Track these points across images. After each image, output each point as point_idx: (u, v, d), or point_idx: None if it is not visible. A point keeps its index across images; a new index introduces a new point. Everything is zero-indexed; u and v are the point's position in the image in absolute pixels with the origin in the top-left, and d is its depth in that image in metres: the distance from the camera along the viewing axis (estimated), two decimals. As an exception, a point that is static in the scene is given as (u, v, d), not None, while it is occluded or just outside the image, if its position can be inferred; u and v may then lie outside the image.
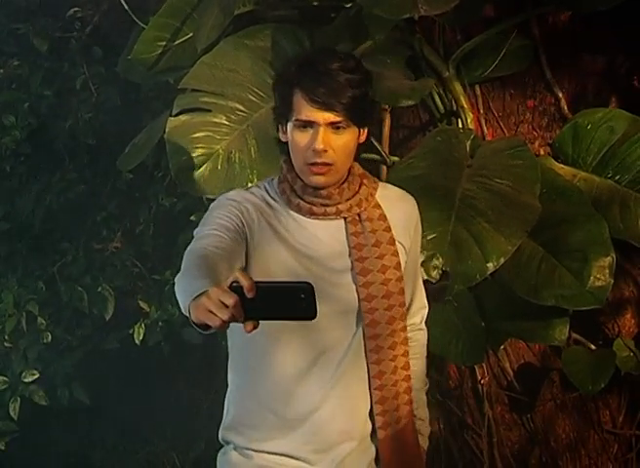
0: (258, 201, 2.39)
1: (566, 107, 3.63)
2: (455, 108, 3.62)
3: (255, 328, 1.83)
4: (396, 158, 3.61)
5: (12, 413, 4.46)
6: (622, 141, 3.41)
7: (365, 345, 2.42)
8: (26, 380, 4.51)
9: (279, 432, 2.42)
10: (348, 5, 3.55)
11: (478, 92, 3.71)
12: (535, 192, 3.16)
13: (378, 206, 2.44)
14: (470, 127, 3.59)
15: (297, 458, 2.43)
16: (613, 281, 3.14)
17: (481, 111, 3.71)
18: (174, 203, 4.54)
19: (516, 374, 3.75)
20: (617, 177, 3.41)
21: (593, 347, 3.57)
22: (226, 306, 1.77)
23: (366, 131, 2.38)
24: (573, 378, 3.46)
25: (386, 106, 3.67)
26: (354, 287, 2.38)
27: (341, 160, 2.31)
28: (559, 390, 3.73)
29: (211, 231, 2.24)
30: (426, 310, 2.66)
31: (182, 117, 3.44)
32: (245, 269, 2.30)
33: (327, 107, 2.24)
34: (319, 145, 2.26)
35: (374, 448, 2.51)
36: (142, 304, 4.56)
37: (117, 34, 4.68)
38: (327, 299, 2.31)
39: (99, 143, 4.75)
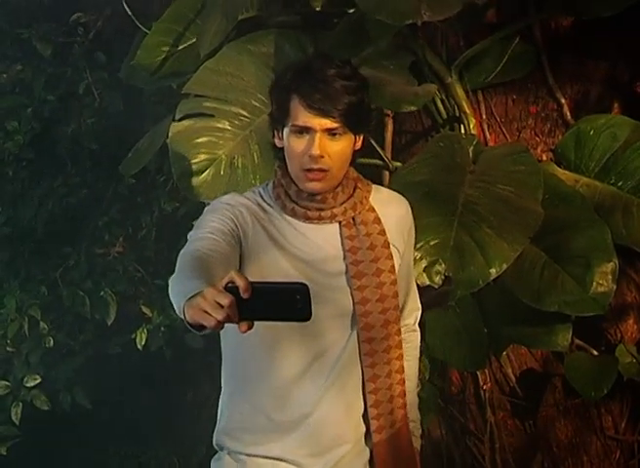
0: (252, 205, 2.40)
1: (568, 113, 3.62)
2: (457, 114, 3.63)
3: (249, 328, 1.83)
4: (399, 163, 3.61)
5: (14, 418, 4.46)
6: (625, 148, 3.41)
7: (359, 348, 2.43)
8: (28, 385, 4.51)
9: (273, 436, 2.43)
10: (351, 11, 3.55)
11: (481, 97, 3.71)
12: (537, 198, 3.16)
13: (372, 209, 2.45)
14: (473, 132, 3.59)
15: (290, 462, 2.43)
16: (615, 287, 3.14)
17: (483, 117, 3.71)
18: (176, 208, 4.54)
19: (518, 380, 3.75)
20: (619, 183, 3.41)
21: (596, 353, 3.57)
22: (221, 306, 1.77)
23: (362, 137, 2.39)
24: (575, 384, 3.45)
25: (389, 112, 3.68)
26: (349, 290, 2.39)
27: (337, 166, 2.32)
28: (561, 396, 3.72)
29: (205, 234, 2.25)
30: (420, 312, 2.67)
31: (185, 122, 3.44)
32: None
33: (323, 113, 2.25)
34: (315, 151, 2.26)
35: (368, 452, 2.52)
36: (145, 309, 4.56)
37: (120, 39, 4.69)
38: (322, 303, 2.32)
39: (101, 148, 4.75)
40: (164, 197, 4.60)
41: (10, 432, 4.56)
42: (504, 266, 2.98)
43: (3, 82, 4.83)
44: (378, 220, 2.43)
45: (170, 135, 3.44)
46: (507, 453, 3.79)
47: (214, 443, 2.53)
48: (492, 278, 2.99)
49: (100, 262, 4.79)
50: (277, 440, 2.42)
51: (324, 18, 3.70)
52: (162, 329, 4.46)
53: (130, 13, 4.14)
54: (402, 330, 2.56)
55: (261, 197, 2.43)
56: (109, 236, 4.83)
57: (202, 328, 1.84)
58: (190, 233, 2.30)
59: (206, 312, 1.79)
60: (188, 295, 1.86)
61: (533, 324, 3.34)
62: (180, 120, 3.45)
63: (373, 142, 3.37)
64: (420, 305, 2.66)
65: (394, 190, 2.60)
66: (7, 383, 4.53)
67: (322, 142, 2.27)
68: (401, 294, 2.51)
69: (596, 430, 3.72)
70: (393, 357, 2.47)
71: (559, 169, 3.52)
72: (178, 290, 2.00)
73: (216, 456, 2.53)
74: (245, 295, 1.80)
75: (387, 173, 3.64)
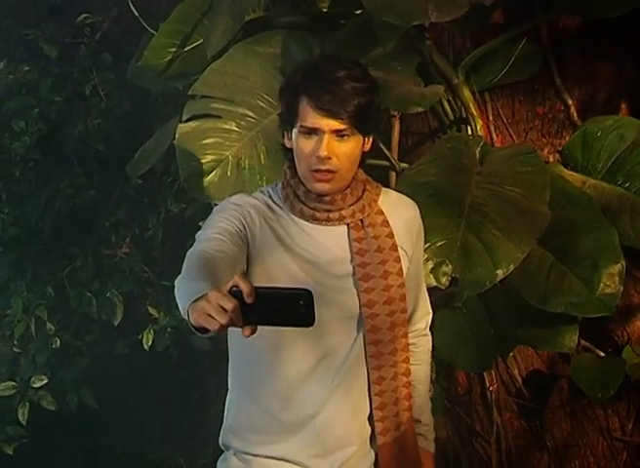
0: (261, 205, 2.39)
1: (575, 114, 3.62)
2: (464, 115, 3.63)
3: (253, 332, 1.84)
4: (405, 164, 3.61)
5: (20, 418, 4.47)
6: (632, 149, 3.41)
7: (365, 351, 2.42)
8: (35, 385, 4.52)
9: (278, 436, 2.43)
10: (358, 12, 3.55)
11: (487, 98, 3.71)
12: (544, 199, 3.16)
13: (380, 212, 2.44)
14: (480, 134, 3.59)
15: (296, 463, 2.43)
16: (622, 288, 3.14)
17: (490, 118, 3.71)
18: (183, 209, 4.54)
19: (525, 381, 3.75)
20: (626, 185, 3.40)
21: (602, 354, 3.56)
22: (225, 310, 1.78)
23: (371, 139, 2.38)
24: (582, 385, 3.45)
25: (396, 113, 3.68)
26: (355, 292, 2.39)
27: (345, 167, 2.32)
28: (568, 397, 3.72)
29: (212, 234, 2.25)
30: (431, 316, 2.67)
31: (192, 123, 3.45)
32: (246, 273, 2.31)
33: (332, 115, 2.25)
34: (323, 152, 2.26)
35: (373, 454, 2.51)
36: (151, 310, 4.56)
37: (127, 40, 4.70)
38: (328, 305, 2.33)
39: (108, 149, 4.76)
40: (171, 198, 4.61)
41: (16, 432, 4.57)
42: (511, 267, 2.97)
43: (10, 83, 4.84)
44: (386, 223, 2.43)
45: (177, 136, 3.44)
46: (514, 454, 3.79)
47: (220, 442, 2.53)
48: (498, 279, 2.98)
49: (106, 263, 4.80)
50: (283, 440, 2.42)
51: (331, 18, 3.70)
52: (168, 329, 4.47)
53: (136, 14, 4.16)
54: (413, 334, 2.58)
55: (270, 197, 2.43)
56: (116, 237, 4.84)
57: (206, 331, 1.84)
58: (198, 233, 2.30)
59: (210, 316, 1.79)
60: (193, 298, 1.87)
61: (539, 325, 3.34)
62: (186, 121, 3.45)
63: (380, 143, 3.37)
64: (430, 309, 2.66)
65: (401, 192, 2.60)
66: (14, 384, 4.54)
67: (330, 143, 2.27)
68: (410, 298, 2.51)
69: (603, 431, 3.71)
70: (399, 359, 2.47)
71: (566, 170, 3.51)
72: (183, 292, 2.00)
73: (222, 457, 2.54)
74: (249, 300, 1.81)
75: (394, 174, 3.64)
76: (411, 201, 2.55)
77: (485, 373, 3.75)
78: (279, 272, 2.33)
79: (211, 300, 1.80)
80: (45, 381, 4.53)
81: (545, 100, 3.66)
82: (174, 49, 3.94)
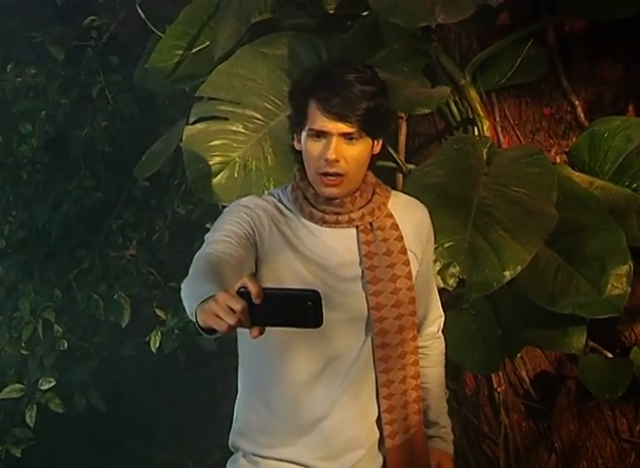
0: (270, 208, 2.40)
1: (582, 115, 3.61)
2: (471, 116, 3.63)
3: (261, 333, 1.84)
4: (412, 166, 3.62)
5: (28, 421, 4.48)
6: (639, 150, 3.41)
7: (373, 354, 2.43)
8: (43, 388, 4.53)
9: (287, 439, 2.43)
10: (365, 13, 3.55)
11: (494, 99, 3.71)
12: (551, 200, 3.16)
13: (390, 215, 2.44)
14: (487, 135, 3.59)
15: (304, 466, 2.43)
16: (630, 289, 3.13)
17: (497, 119, 3.71)
18: (190, 211, 4.54)
19: (533, 382, 3.75)
20: (634, 186, 3.39)
21: (610, 355, 3.56)
22: (233, 311, 1.79)
23: (380, 142, 2.38)
24: (590, 386, 3.44)
25: (403, 114, 3.68)
26: (364, 295, 2.39)
27: (354, 171, 2.32)
28: (576, 398, 3.71)
29: (221, 237, 2.25)
30: (443, 319, 2.68)
31: (199, 125, 3.45)
32: (255, 275, 2.32)
33: (340, 118, 2.25)
34: (331, 155, 2.26)
35: (381, 458, 2.52)
36: (158, 312, 4.57)
37: (134, 43, 4.71)
38: (336, 307, 2.33)
39: (115, 151, 4.77)
40: (177, 200, 4.61)
41: (24, 434, 4.58)
42: (519, 269, 2.97)
43: (17, 85, 4.85)
44: (395, 226, 2.43)
45: (184, 138, 3.45)
46: (521, 456, 3.79)
47: (229, 443, 2.54)
48: (506, 280, 2.98)
49: (113, 265, 4.81)
50: (292, 443, 2.43)
51: (337, 20, 3.70)
52: (176, 331, 4.47)
53: (143, 16, 4.16)
54: (426, 337, 2.59)
55: (280, 200, 2.43)
56: (123, 239, 4.84)
57: (213, 331, 1.85)
58: (207, 234, 2.31)
59: (218, 316, 1.80)
60: (201, 299, 1.87)
61: (547, 326, 3.33)
62: (193, 123, 3.46)
63: (386, 145, 3.37)
64: (442, 312, 2.67)
65: (408, 193, 2.60)
66: (21, 386, 4.55)
67: (338, 146, 2.27)
68: (421, 301, 2.51)
69: (611, 433, 3.70)
70: (408, 363, 2.47)
71: (573, 171, 3.50)
72: (190, 293, 2.01)
73: (231, 458, 2.54)
74: (257, 301, 1.81)
75: (401, 175, 3.64)
76: (420, 204, 2.55)
77: (492, 375, 3.75)
78: (287, 274, 2.34)
79: (219, 301, 1.81)
80: (53, 383, 4.53)
81: (552, 102, 3.66)
82: (181, 51, 3.95)
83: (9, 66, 4.88)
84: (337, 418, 2.41)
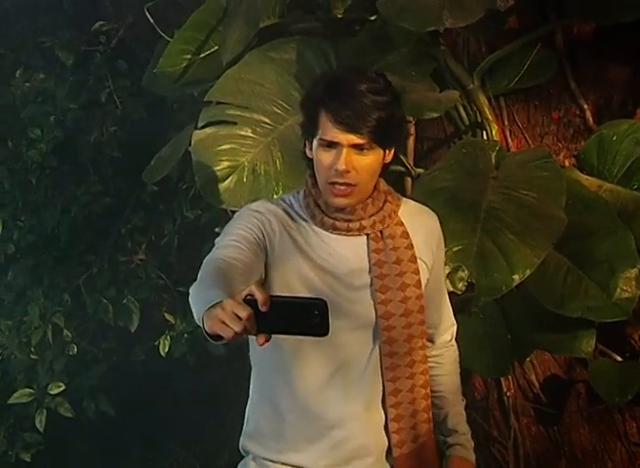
0: (281, 213, 2.40)
1: (591, 119, 3.61)
2: (479, 120, 3.62)
3: (267, 341, 1.84)
4: (421, 170, 3.62)
5: (38, 425, 4.49)
6: (648, 153, 3.41)
7: (381, 362, 2.42)
8: (52, 392, 4.53)
9: (297, 445, 2.43)
10: (373, 17, 3.56)
11: (503, 103, 3.71)
12: (560, 204, 3.15)
13: (400, 223, 2.44)
14: (495, 138, 3.58)
15: None
16: (639, 292, 3.13)
17: (506, 123, 3.70)
18: (198, 215, 4.55)
19: (542, 386, 3.74)
20: (643, 189, 3.40)
21: (620, 359, 3.55)
22: (240, 318, 1.79)
23: (392, 151, 2.36)
24: (599, 390, 3.43)
25: (411, 118, 3.68)
26: (372, 303, 2.38)
27: (365, 181, 2.31)
28: (585, 402, 3.71)
29: (230, 242, 2.25)
30: (455, 327, 2.66)
31: (208, 130, 3.46)
32: (265, 281, 2.32)
33: (351, 129, 2.24)
34: (341, 166, 2.25)
35: (389, 466, 2.51)
36: (168, 316, 4.57)
37: (142, 47, 4.71)
38: (344, 315, 2.33)
39: (124, 156, 4.77)
40: (186, 204, 4.61)
41: (34, 439, 4.59)
42: (528, 272, 2.97)
43: (26, 91, 4.85)
44: (406, 234, 2.42)
45: (192, 142, 3.45)
46: (531, 460, 3.78)
47: (239, 446, 2.54)
48: (515, 284, 2.98)
49: (122, 270, 4.81)
50: (301, 449, 2.43)
51: (346, 24, 3.71)
52: (185, 336, 4.47)
53: (152, 21, 4.16)
54: (439, 345, 2.59)
55: (291, 206, 2.43)
56: (132, 243, 4.84)
57: (220, 338, 1.85)
58: (217, 239, 2.31)
59: (224, 323, 1.80)
60: (208, 305, 1.88)
61: (556, 330, 3.33)
62: (202, 128, 3.46)
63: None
64: (454, 320, 2.66)
65: (417, 197, 2.60)
66: (31, 391, 4.56)
67: (349, 157, 2.26)
68: (433, 309, 2.51)
69: (620, 436, 3.70)
70: (417, 371, 2.46)
71: (582, 174, 3.50)
72: (198, 299, 2.01)
73: (242, 462, 2.54)
74: (263, 309, 1.81)
75: (410, 179, 3.64)
76: (431, 212, 2.54)
77: (502, 379, 3.74)
78: (297, 281, 2.33)
79: (225, 308, 1.81)
80: (62, 388, 4.54)
81: (561, 105, 3.66)
82: (189, 56, 3.96)
83: (18, 71, 4.89)
84: (347, 426, 2.41)
